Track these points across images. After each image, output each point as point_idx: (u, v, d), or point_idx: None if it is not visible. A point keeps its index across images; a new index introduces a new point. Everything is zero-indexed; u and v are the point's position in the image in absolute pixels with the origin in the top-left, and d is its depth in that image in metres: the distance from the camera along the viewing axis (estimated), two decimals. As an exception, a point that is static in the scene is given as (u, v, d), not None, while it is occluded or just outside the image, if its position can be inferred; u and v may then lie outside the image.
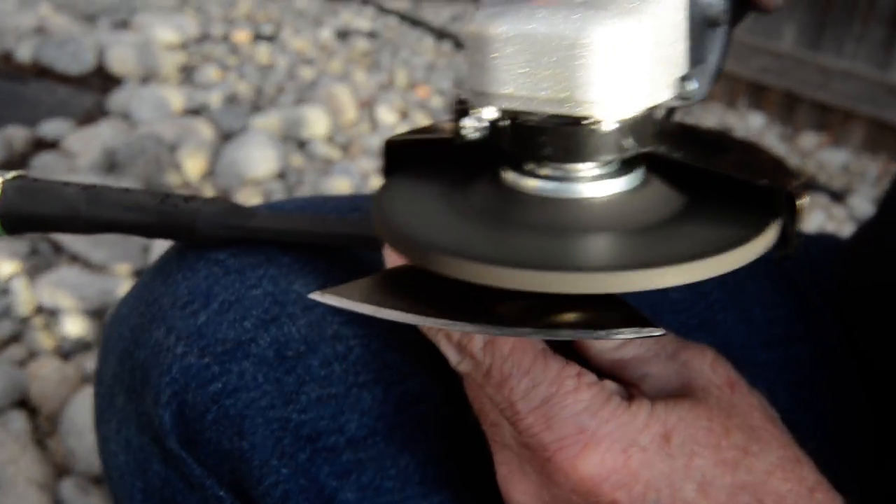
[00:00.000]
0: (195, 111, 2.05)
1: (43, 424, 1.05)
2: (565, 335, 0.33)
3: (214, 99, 2.14)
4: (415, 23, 2.94)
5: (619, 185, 0.32)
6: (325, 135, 2.03)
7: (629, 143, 0.32)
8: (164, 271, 0.46)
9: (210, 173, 1.80)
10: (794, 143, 2.28)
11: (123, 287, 1.28)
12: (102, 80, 2.22)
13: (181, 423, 0.43)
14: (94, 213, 0.43)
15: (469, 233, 0.32)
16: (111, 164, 1.71)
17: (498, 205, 0.33)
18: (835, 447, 0.53)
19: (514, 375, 0.34)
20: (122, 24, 2.59)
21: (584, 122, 0.30)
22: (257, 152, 1.82)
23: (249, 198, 1.72)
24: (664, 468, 0.35)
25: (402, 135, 0.39)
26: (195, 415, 0.43)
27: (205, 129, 1.92)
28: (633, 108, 0.30)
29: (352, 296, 0.33)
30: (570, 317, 0.32)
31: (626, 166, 0.33)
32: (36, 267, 1.32)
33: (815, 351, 0.55)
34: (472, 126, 0.32)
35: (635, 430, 0.35)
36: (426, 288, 0.32)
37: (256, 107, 2.17)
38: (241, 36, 2.65)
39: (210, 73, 2.31)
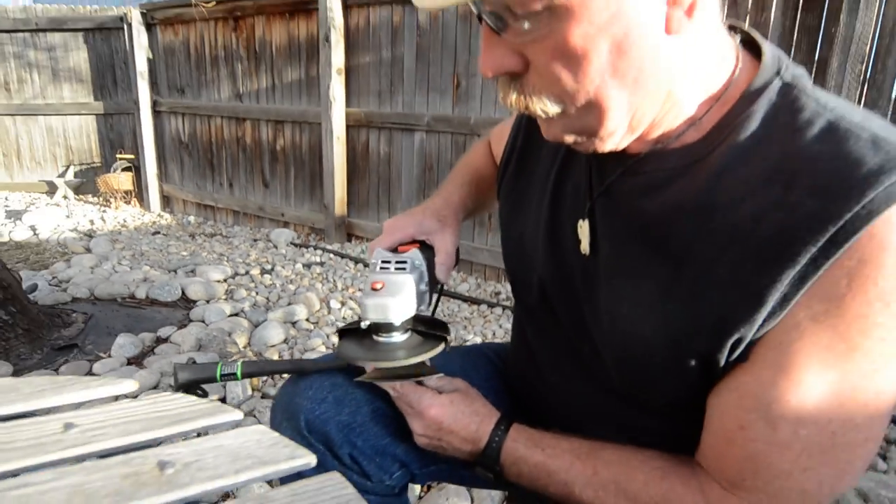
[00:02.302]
0: (237, 314, 2.20)
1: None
2: (412, 380, 0.53)
3: (247, 306, 2.29)
4: (343, 256, 3.01)
5: (405, 336, 0.51)
6: (305, 318, 2.18)
7: (404, 326, 0.50)
8: (293, 381, 0.60)
9: (249, 345, 1.94)
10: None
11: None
12: (186, 302, 2.35)
13: (308, 428, 0.57)
14: (295, 366, 0.61)
15: (362, 353, 0.51)
16: (200, 346, 1.86)
17: (371, 345, 0.51)
18: (502, 402, 0.61)
19: (409, 393, 0.54)
20: (192, 272, 2.73)
21: (387, 324, 0.49)
22: (272, 331, 1.98)
23: (272, 355, 1.85)
24: (452, 410, 0.54)
25: (344, 326, 0.55)
26: (313, 425, 0.57)
27: (244, 322, 2.08)
28: (402, 318, 0.49)
29: (360, 378, 0.52)
30: (415, 377, 0.53)
31: (406, 330, 0.51)
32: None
33: (503, 379, 0.67)
34: (358, 324, 0.50)
35: (443, 402, 0.54)
36: (371, 376, 0.53)
37: (268, 307, 2.30)
38: (255, 271, 2.78)
39: (242, 293, 2.46)
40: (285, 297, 2.44)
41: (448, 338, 0.51)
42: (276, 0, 3.39)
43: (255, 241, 3.49)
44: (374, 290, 0.49)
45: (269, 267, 2.88)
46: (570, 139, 0.44)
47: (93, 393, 0.50)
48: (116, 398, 0.49)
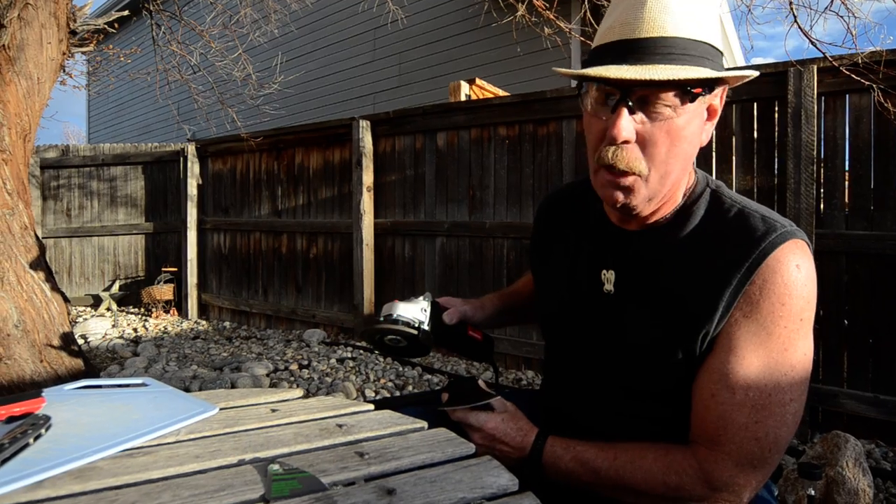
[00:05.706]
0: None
1: None
2: (476, 406, 0.66)
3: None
4: (372, 352, 3.15)
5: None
6: (342, 406, 2.42)
7: (409, 324, 0.73)
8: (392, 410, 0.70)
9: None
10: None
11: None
12: (234, 395, 2.63)
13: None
14: (393, 401, 0.79)
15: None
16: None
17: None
18: (538, 422, 0.71)
19: (470, 416, 0.68)
20: (237, 368, 2.92)
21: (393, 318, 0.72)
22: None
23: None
24: (503, 426, 0.66)
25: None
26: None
27: (289, 411, 2.33)
28: (403, 316, 0.73)
29: (442, 407, 0.70)
30: (472, 403, 0.68)
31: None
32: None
33: (538, 407, 0.77)
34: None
35: (496, 419, 0.66)
36: (447, 404, 0.70)
37: (310, 397, 2.43)
38: (294, 366, 2.96)
39: (285, 385, 2.64)
40: (324, 388, 2.62)
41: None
42: (315, 134, 4.00)
43: (289, 341, 3.66)
44: (393, 301, 0.74)
45: (305, 362, 3.06)
46: (620, 196, 0.59)
47: (277, 395, 0.78)
48: (290, 400, 0.77)
